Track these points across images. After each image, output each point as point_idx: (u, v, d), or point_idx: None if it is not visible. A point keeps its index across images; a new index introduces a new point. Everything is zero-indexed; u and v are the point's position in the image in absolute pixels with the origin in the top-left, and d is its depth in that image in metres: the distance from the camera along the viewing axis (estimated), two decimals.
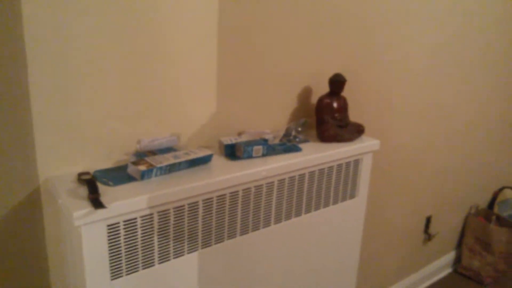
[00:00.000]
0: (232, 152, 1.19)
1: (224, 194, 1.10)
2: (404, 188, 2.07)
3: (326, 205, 1.37)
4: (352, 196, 1.45)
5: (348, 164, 1.38)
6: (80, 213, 0.85)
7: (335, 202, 1.40)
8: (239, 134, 1.31)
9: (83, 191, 0.93)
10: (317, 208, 1.35)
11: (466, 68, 2.14)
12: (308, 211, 1.32)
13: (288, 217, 1.28)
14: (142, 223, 0.97)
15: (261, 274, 1.27)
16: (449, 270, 2.60)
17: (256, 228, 1.21)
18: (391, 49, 1.71)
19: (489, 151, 2.57)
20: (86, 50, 0.98)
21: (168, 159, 1.04)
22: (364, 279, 2.05)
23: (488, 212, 2.63)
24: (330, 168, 1.34)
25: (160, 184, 1.00)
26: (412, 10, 1.73)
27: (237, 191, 1.13)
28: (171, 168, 1.04)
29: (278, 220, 1.25)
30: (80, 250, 0.90)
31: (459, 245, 2.64)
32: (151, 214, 0.98)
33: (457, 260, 2.63)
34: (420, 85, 1.92)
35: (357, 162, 1.41)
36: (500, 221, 2.56)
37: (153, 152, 1.09)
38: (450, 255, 2.59)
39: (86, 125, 1.02)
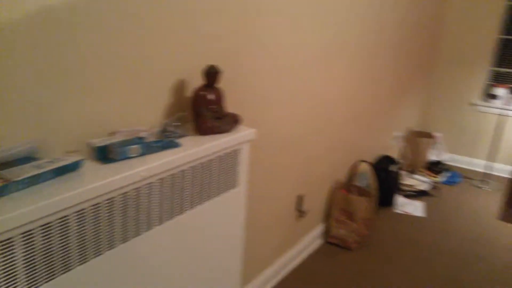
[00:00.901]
0: (105, 155, 1.09)
1: (99, 203, 1.00)
2: (279, 172, 2.16)
3: (209, 198, 1.35)
4: (233, 186, 1.45)
5: (227, 155, 1.38)
6: None
7: (218, 194, 1.39)
8: (111, 134, 1.19)
9: None
10: (200, 202, 1.32)
11: (333, 62, 2.31)
12: (191, 207, 1.29)
13: (171, 216, 1.22)
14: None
15: (149, 278, 1.20)
16: (320, 241, 2.83)
17: (138, 233, 1.13)
18: (266, 41, 1.74)
19: (347, 130, 2.84)
20: None
21: (28, 171, 0.90)
22: (248, 262, 2.11)
23: (348, 184, 2.92)
24: (211, 160, 1.31)
25: (20, 201, 0.85)
26: (286, 3, 1.78)
27: (114, 197, 1.03)
28: (33, 181, 0.90)
29: (161, 221, 1.19)
30: None
31: (327, 218, 2.88)
32: (10, 239, 0.83)
33: (327, 231, 2.88)
34: (292, 76, 2.00)
35: (236, 152, 1.42)
36: (360, 191, 2.87)
37: (9, 164, 0.93)
38: (320, 228, 2.82)
39: None
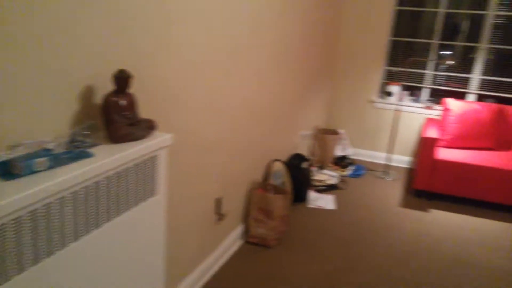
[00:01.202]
0: (6, 170, 0.99)
1: (4, 224, 0.91)
2: (197, 176, 2.14)
3: (127, 209, 1.29)
4: (152, 194, 1.41)
5: (144, 162, 1.33)
6: None
7: (136, 204, 1.33)
8: (13, 147, 1.09)
9: None
10: (118, 214, 1.26)
11: (244, 66, 2.34)
12: (108, 219, 1.22)
13: (87, 231, 1.15)
14: None
15: None
16: (241, 242, 2.85)
17: (51, 252, 1.04)
18: (179, 43, 1.71)
19: (260, 132, 2.90)
20: None
21: None
22: (171, 268, 2.06)
23: (265, 184, 2.99)
24: (126, 170, 1.26)
25: None
26: (198, 7, 1.77)
27: (20, 217, 0.95)
28: None
29: (77, 237, 1.12)
30: None
31: (246, 218, 2.92)
32: None
33: (246, 231, 2.92)
34: (206, 79, 1.99)
35: (153, 160, 1.37)
36: (275, 189, 2.96)
37: None
38: (240, 228, 2.85)
39: None
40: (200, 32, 1.93)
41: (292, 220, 3.22)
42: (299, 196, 3.52)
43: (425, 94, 4.52)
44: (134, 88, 1.51)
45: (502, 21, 4.09)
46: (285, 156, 3.59)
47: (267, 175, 3.15)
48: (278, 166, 3.26)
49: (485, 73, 4.25)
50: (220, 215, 2.53)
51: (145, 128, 1.33)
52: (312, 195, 3.65)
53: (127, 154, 1.23)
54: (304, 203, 3.53)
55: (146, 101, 1.61)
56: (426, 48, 4.41)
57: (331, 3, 4.09)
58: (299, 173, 3.47)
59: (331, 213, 3.39)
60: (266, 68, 2.79)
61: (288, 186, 3.33)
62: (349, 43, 4.55)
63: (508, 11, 4.03)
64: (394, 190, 3.94)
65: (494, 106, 3.88)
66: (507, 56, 4.15)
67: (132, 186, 1.30)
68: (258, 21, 2.54)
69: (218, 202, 2.47)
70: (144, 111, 1.60)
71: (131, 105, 1.31)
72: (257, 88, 2.71)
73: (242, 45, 2.38)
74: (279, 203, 2.81)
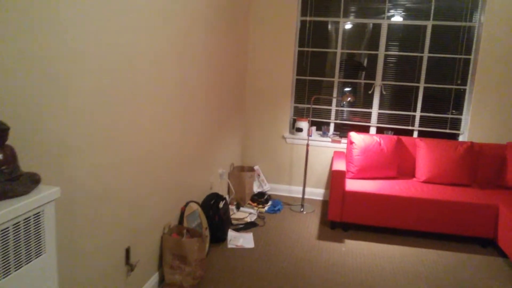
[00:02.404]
0: None
1: None
2: (97, 227, 2.02)
3: (9, 273, 1.17)
4: (39, 253, 1.29)
5: (26, 220, 1.22)
6: None
7: (19, 266, 1.21)
8: None
9: None
10: None
11: (145, 111, 2.30)
12: None
13: None
14: None
15: None
16: None
17: None
18: (70, 88, 1.63)
19: (173, 173, 2.84)
20: None
21: None
22: None
23: (179, 227, 2.91)
24: (6, 230, 1.14)
25: None
26: (88, 47, 1.71)
27: None
28: None
29: None
30: None
31: (160, 265, 2.79)
32: None
33: (162, 280, 2.78)
34: (106, 126, 1.92)
35: (38, 216, 1.27)
36: (191, 232, 2.88)
37: None
38: (155, 277, 2.71)
39: None
40: (94, 75, 1.88)
41: (211, 263, 3.14)
42: (217, 237, 3.47)
43: (331, 128, 4.78)
44: (16, 140, 1.40)
45: (393, 60, 4.51)
46: (201, 196, 3.54)
47: (181, 218, 3.06)
48: (194, 208, 3.19)
49: (383, 107, 4.62)
50: (130, 266, 2.39)
51: (27, 182, 1.23)
52: (231, 234, 3.62)
53: (5, 213, 1.12)
54: (223, 243, 3.48)
55: (31, 152, 1.50)
56: (329, 86, 4.71)
57: (236, 41, 4.24)
58: (216, 213, 3.43)
59: (251, 251, 3.37)
60: (172, 109, 2.77)
61: (205, 228, 3.27)
62: (257, 81, 4.71)
63: (398, 51, 4.47)
64: (311, 223, 4.03)
65: (393, 137, 4.21)
66: (399, 92, 4.57)
67: (13, 248, 1.18)
68: (159, 63, 2.54)
69: (128, 252, 2.34)
70: (26, 164, 1.48)
71: (10, 158, 1.21)
72: (166, 130, 2.67)
73: (142, 87, 2.35)
74: (195, 247, 2.73)
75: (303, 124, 4.66)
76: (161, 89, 2.56)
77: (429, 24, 4.38)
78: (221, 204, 3.51)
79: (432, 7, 4.34)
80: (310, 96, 4.73)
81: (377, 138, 4.15)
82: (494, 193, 3.84)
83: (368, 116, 4.68)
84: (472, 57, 4.37)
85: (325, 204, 4.63)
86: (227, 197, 4.25)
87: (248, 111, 4.80)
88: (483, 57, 4.23)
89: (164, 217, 2.79)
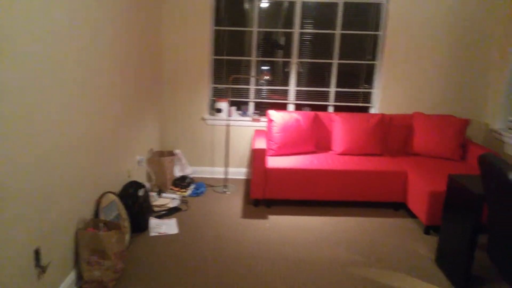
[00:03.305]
0: None
1: None
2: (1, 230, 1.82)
3: None
4: None
5: None
6: None
7: None
8: None
9: None
10: None
11: (49, 97, 2.08)
12: None
13: None
14: None
15: None
16: None
17: None
18: None
19: (85, 163, 2.65)
20: None
21: None
22: None
23: (95, 221, 2.74)
24: None
25: None
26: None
27: None
28: None
29: None
30: None
31: (77, 263, 2.62)
32: None
33: (80, 277, 2.62)
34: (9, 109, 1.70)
35: None
36: (108, 225, 2.73)
37: None
38: (71, 276, 2.54)
39: None
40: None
41: (133, 254, 3.02)
42: (139, 226, 3.34)
43: (251, 108, 4.78)
44: None
45: (308, 38, 4.59)
46: (119, 186, 3.36)
47: (97, 210, 2.89)
48: (111, 198, 3.02)
49: (300, 84, 4.71)
50: (42, 268, 2.20)
51: None
52: (153, 222, 3.50)
53: None
54: (145, 232, 3.36)
55: None
56: (247, 65, 4.68)
57: (149, 22, 4.03)
58: (136, 202, 3.29)
59: (175, 237, 3.29)
60: (83, 95, 2.56)
61: (124, 219, 3.12)
62: (174, 62, 4.55)
63: (312, 29, 4.55)
64: (235, 203, 4.04)
65: (311, 113, 4.31)
66: (315, 69, 4.67)
67: None
68: (61, 47, 2.31)
69: (38, 254, 2.15)
70: None
71: None
72: (76, 118, 2.46)
73: (47, 72, 2.13)
74: (113, 240, 2.59)
75: (223, 105, 4.61)
76: (69, 74, 2.34)
77: (341, 2, 4.49)
78: (140, 192, 3.37)
79: None
80: (229, 76, 4.67)
81: (295, 114, 4.23)
82: (403, 160, 4.11)
83: (286, 93, 4.74)
84: (381, 33, 4.58)
85: (248, 182, 4.66)
86: (147, 184, 4.09)
87: (165, 94, 4.63)
88: (391, 33, 4.45)
89: (77, 211, 2.60)
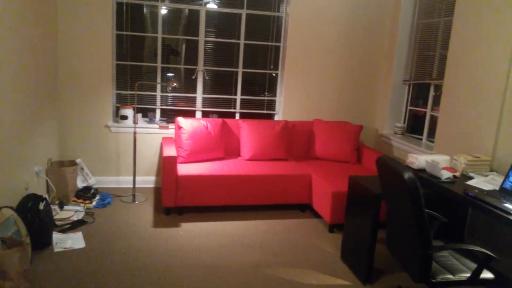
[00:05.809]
0: None
1: None
2: None
3: None
4: None
5: None
6: None
7: None
8: None
9: None
10: None
11: None
12: None
13: None
14: None
15: None
16: None
17: None
18: None
19: None
20: None
21: None
22: None
23: None
24: None
25: None
26: None
27: None
28: None
29: None
30: None
31: None
32: None
33: None
34: None
35: None
36: (7, 242, 2.48)
37: None
38: None
39: None
40: None
41: (37, 272, 2.78)
42: (41, 242, 3.08)
43: (158, 114, 4.70)
44: None
45: (212, 46, 4.68)
46: (16, 200, 3.08)
47: None
48: (7, 214, 2.75)
49: (206, 91, 4.77)
50: None
51: None
52: (57, 237, 3.26)
53: None
54: (48, 248, 3.11)
55: None
56: (153, 71, 4.60)
57: (42, 24, 3.77)
58: (36, 216, 3.04)
59: (82, 252, 3.10)
60: None
61: (24, 235, 2.86)
62: (72, 67, 4.28)
63: (216, 37, 4.64)
64: (145, 212, 3.93)
65: (219, 120, 4.39)
66: (221, 77, 4.77)
67: None
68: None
69: None
70: None
71: None
72: None
73: None
74: (14, 258, 2.37)
75: (128, 112, 4.46)
76: None
77: (244, 12, 4.66)
78: (41, 206, 3.12)
79: None
80: (133, 82, 4.55)
81: (203, 121, 4.27)
82: (307, 164, 4.40)
83: (193, 100, 4.76)
84: (281, 44, 4.84)
85: (157, 191, 4.57)
86: (47, 196, 3.79)
87: (64, 100, 4.33)
88: (291, 45, 4.74)
89: None
